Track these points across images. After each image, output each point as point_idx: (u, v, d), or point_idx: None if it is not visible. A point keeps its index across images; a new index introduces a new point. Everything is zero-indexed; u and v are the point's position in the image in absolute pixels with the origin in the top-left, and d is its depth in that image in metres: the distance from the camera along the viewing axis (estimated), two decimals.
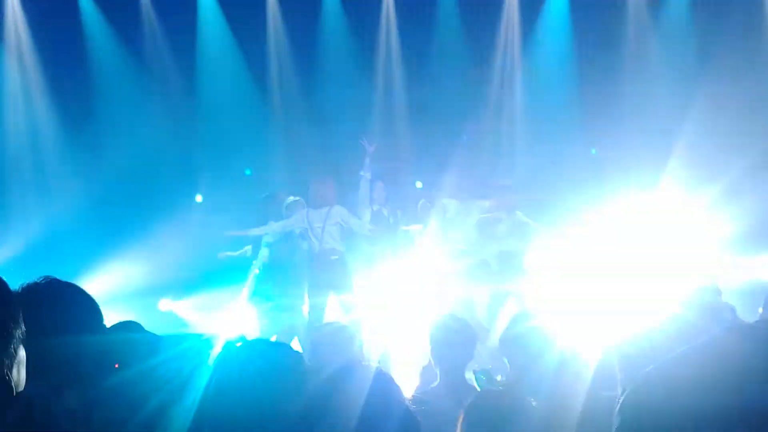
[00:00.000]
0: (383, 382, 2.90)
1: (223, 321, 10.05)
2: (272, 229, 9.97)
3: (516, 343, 4.62)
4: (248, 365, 2.70)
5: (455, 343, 4.91)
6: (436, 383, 4.89)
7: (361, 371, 2.88)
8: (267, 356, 2.77)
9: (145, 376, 2.63)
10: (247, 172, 13.33)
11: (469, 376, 4.95)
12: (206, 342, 2.76)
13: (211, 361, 2.65)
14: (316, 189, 10.17)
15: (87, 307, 2.78)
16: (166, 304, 11.83)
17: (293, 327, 9.63)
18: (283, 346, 2.97)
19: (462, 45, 13.56)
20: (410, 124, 13.64)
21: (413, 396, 4.81)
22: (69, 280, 2.78)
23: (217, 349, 2.74)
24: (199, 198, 12.59)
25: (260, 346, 2.96)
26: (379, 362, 8.10)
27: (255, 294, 9.81)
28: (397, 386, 2.96)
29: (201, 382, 2.56)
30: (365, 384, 2.78)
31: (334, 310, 9.88)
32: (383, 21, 13.78)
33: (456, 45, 13.57)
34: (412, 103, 13.64)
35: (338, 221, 10.05)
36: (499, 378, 4.90)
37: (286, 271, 9.79)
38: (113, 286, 11.05)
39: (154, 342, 2.89)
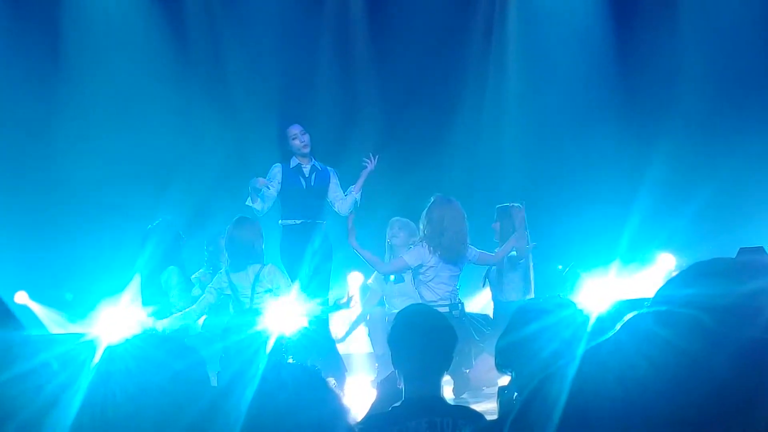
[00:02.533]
0: (317, 389, 1.97)
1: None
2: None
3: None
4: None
5: (428, 341, 3.80)
6: (399, 403, 3.75)
7: (287, 370, 2.09)
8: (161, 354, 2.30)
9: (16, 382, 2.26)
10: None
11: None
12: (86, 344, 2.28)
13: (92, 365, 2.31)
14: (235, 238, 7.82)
15: None
16: (21, 298, 10.39)
17: None
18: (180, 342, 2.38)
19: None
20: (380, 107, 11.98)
21: (365, 419, 3.89)
22: None
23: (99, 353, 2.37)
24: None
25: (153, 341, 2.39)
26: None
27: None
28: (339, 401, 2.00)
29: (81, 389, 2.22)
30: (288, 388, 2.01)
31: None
32: None
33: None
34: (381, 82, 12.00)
35: (269, 287, 7.74)
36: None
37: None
38: None
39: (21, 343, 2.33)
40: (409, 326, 3.90)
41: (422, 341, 3.81)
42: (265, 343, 5.17)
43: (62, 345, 2.57)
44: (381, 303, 9.48)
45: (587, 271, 9.26)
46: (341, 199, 8.68)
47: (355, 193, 8.66)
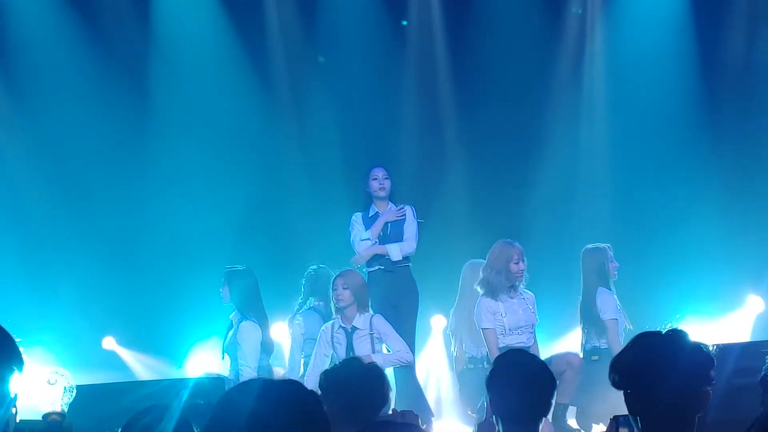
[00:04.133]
0: None
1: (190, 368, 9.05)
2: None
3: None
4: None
5: (528, 386, 3.77)
6: None
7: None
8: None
9: None
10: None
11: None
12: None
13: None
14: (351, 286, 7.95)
15: None
16: (109, 344, 10.51)
17: None
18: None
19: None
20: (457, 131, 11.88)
21: None
22: None
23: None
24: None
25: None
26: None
27: None
28: None
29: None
30: None
31: None
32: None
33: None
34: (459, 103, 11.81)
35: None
36: None
37: None
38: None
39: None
40: (509, 370, 3.87)
41: (522, 386, 3.78)
42: None
43: (149, 388, 2.64)
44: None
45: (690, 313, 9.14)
46: (405, 239, 8.64)
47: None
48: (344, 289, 7.92)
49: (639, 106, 11.44)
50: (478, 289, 8.24)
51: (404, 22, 11.72)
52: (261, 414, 2.10)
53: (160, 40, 11.32)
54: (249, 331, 8.20)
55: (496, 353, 7.86)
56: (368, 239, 8.55)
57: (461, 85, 11.76)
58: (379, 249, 8.58)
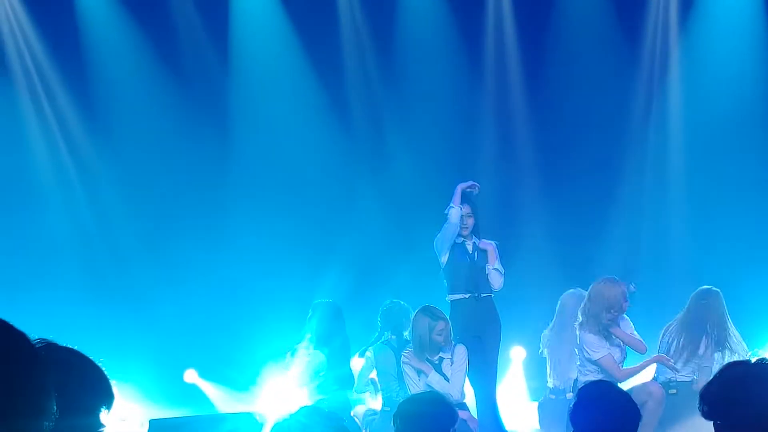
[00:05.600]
0: None
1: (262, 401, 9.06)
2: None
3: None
4: None
5: (613, 418, 3.85)
6: None
7: None
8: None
9: None
10: None
11: None
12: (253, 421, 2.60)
13: None
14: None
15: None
16: (191, 377, 10.51)
17: None
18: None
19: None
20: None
21: None
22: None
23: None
24: None
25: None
26: None
27: None
28: None
29: None
30: None
31: None
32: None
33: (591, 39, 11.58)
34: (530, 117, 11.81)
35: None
36: None
37: None
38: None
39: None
40: (594, 402, 3.90)
41: (606, 418, 3.83)
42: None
43: (231, 423, 2.68)
44: None
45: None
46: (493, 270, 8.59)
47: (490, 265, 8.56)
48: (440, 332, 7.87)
49: (714, 139, 11.32)
50: (580, 318, 8.17)
51: None
52: None
53: (239, 70, 11.52)
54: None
55: (621, 375, 7.92)
56: (453, 206, 8.48)
57: (538, 113, 11.75)
58: (494, 257, 8.55)
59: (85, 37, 11.21)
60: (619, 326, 8.00)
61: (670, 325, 8.64)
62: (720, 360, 8.33)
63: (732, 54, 11.36)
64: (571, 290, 8.99)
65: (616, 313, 7.94)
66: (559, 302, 9.06)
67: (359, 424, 8.78)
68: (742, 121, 11.29)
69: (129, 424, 9.00)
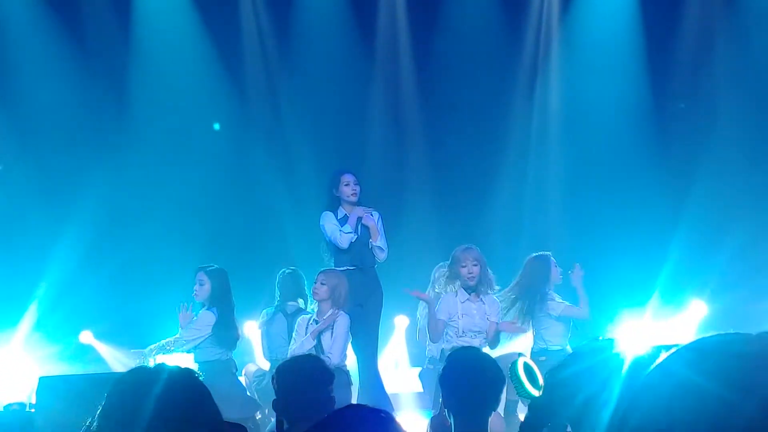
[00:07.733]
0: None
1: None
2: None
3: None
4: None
5: (478, 381, 3.98)
6: None
7: None
8: None
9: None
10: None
11: None
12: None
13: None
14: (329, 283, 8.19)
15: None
16: (86, 338, 10.59)
17: None
18: None
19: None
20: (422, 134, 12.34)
21: None
22: None
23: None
24: None
25: None
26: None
27: None
28: None
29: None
30: None
31: None
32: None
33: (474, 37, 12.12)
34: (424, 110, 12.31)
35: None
36: None
37: None
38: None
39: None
40: (461, 367, 4.08)
41: (472, 381, 3.96)
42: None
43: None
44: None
45: (626, 309, 9.48)
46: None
47: (372, 241, 8.73)
48: (322, 284, 8.17)
49: (589, 105, 11.98)
50: (437, 289, 8.62)
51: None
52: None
53: (140, 48, 11.71)
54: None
55: (434, 337, 8.31)
56: (351, 232, 8.62)
57: (427, 94, 12.25)
58: (376, 233, 8.71)
59: None
60: (477, 296, 8.36)
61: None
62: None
63: (607, 41, 12.07)
64: (440, 264, 9.18)
65: (461, 281, 8.29)
66: (432, 274, 9.29)
67: (248, 382, 9.15)
68: (619, 106, 11.99)
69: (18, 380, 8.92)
